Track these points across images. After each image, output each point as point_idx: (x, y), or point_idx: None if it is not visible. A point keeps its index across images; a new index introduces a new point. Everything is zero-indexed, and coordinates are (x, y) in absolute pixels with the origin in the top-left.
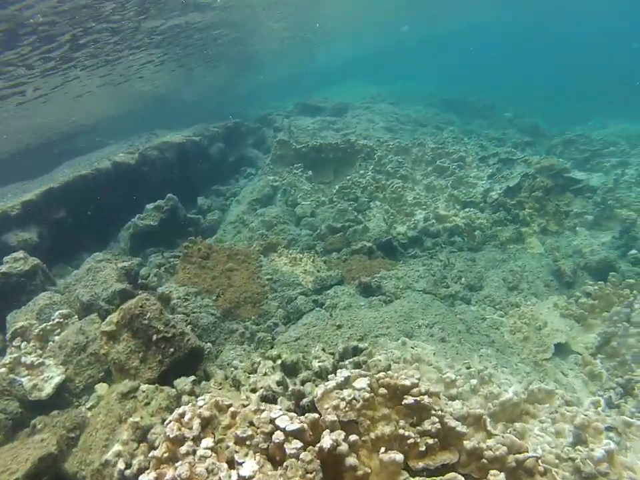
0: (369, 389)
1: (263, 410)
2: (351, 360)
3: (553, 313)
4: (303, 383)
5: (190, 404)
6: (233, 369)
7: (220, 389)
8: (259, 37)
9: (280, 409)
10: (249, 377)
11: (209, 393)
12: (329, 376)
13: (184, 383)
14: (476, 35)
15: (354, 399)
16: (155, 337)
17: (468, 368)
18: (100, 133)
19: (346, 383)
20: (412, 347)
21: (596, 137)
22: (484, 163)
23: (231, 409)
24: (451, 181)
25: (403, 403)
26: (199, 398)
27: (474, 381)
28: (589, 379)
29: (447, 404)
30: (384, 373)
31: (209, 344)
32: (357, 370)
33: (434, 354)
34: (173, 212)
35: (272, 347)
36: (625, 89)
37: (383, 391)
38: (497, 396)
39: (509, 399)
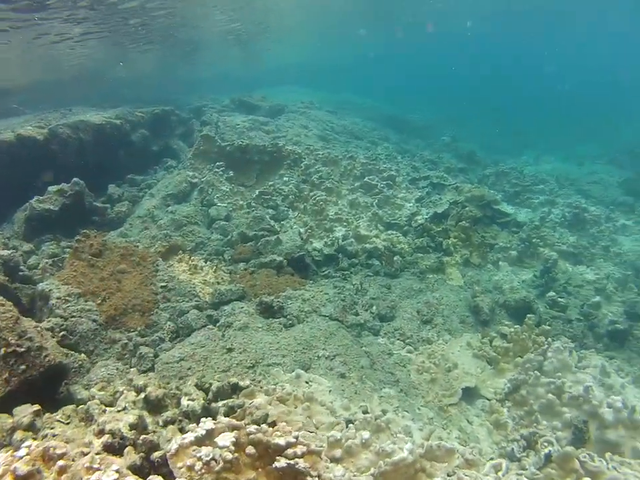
0: (232, 447)
1: (96, 469)
2: (225, 402)
3: (465, 352)
4: (166, 424)
5: (9, 453)
6: (89, 397)
7: (68, 423)
8: (205, 26)
9: (117, 470)
10: (104, 411)
11: (52, 428)
12: (200, 420)
13: (23, 413)
14: (429, 55)
15: (213, 459)
16: (3, 351)
17: (365, 412)
18: (16, 99)
19: (207, 438)
20: (306, 382)
21: (528, 172)
22: (414, 185)
23: (60, 462)
24: (377, 200)
25: (274, 465)
26: (23, 445)
27: (365, 435)
28: (494, 427)
29: (327, 467)
30: (255, 428)
31: (82, 355)
32: (226, 420)
33: (330, 391)
34: (77, 198)
35: (152, 366)
36: (561, 125)
37: (251, 450)
38: (389, 454)
39: (403, 458)
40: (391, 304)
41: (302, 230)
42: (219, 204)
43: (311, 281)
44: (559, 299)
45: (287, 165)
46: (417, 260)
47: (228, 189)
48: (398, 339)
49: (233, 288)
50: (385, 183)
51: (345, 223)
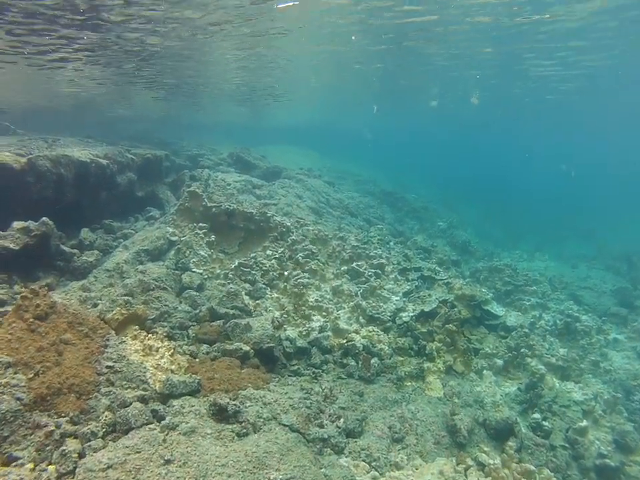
0: None
1: None
2: None
3: None
4: None
5: None
6: None
7: None
8: (213, 75)
9: None
10: None
11: None
12: None
13: None
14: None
15: None
16: None
17: None
18: (10, 118)
19: None
20: None
21: (521, 269)
22: (404, 276)
23: None
24: (363, 290)
25: None
26: None
27: None
28: None
29: None
30: None
31: None
32: None
33: None
34: (43, 239)
35: (73, 469)
36: (556, 221)
37: None
38: None
39: None
40: (361, 415)
41: (277, 314)
42: (194, 269)
43: (277, 378)
44: (543, 423)
45: (272, 237)
46: (396, 364)
47: (206, 255)
48: (363, 461)
49: (188, 380)
50: (373, 271)
51: (324, 313)
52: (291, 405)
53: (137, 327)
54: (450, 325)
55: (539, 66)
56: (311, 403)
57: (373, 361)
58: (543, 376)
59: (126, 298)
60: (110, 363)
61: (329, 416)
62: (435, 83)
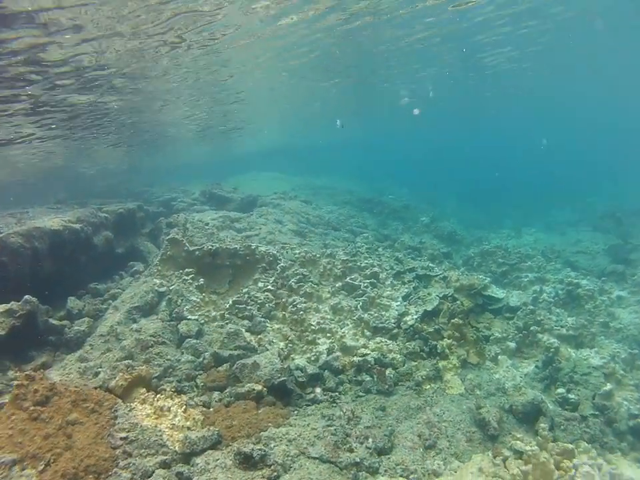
0: None
1: None
2: None
3: None
4: None
5: None
6: None
7: None
8: (170, 121)
9: None
10: None
11: None
12: None
13: None
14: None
15: None
16: None
17: None
18: None
19: None
20: None
21: (512, 248)
22: (399, 280)
23: None
24: (362, 302)
25: None
26: None
27: None
28: None
29: None
30: None
31: None
32: None
33: None
34: (29, 318)
35: None
36: (532, 194)
37: None
38: None
39: None
40: (388, 430)
41: (282, 345)
42: (189, 317)
43: (295, 411)
44: (569, 396)
45: (261, 269)
46: (411, 370)
47: (198, 299)
48: (401, 476)
49: (206, 433)
50: (368, 281)
51: (328, 334)
52: (315, 436)
53: (143, 389)
54: (456, 319)
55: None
56: (335, 429)
57: (387, 372)
58: (558, 349)
59: (126, 362)
60: (123, 434)
61: (356, 438)
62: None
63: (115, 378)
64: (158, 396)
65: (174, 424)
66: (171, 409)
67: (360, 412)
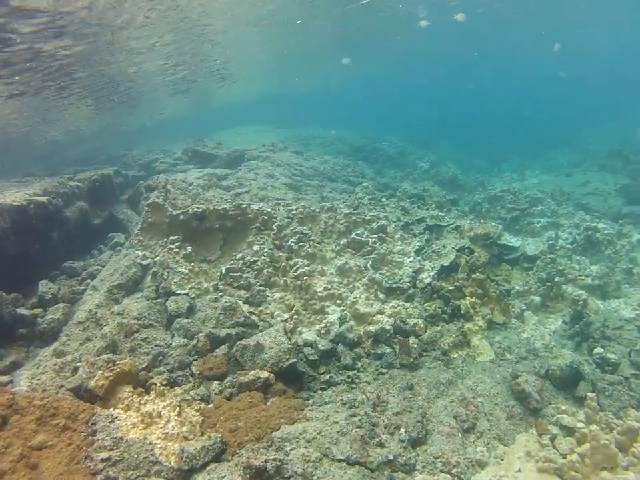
0: None
1: None
2: None
3: (527, 469)
4: None
5: None
6: None
7: None
8: (141, 72)
9: None
10: None
11: None
12: None
13: None
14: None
15: None
16: None
17: None
18: None
19: None
20: None
21: (520, 192)
22: (408, 233)
23: None
24: (371, 260)
25: None
26: None
27: None
28: None
29: None
30: None
31: None
32: None
33: None
34: None
35: None
36: (528, 134)
37: None
38: None
39: None
40: (420, 414)
41: (286, 316)
42: (178, 291)
43: (310, 398)
44: (609, 356)
45: (255, 229)
46: (436, 337)
47: (187, 270)
48: (442, 471)
49: (207, 443)
50: (375, 236)
51: (338, 300)
52: (338, 431)
53: (129, 386)
54: (477, 274)
55: None
56: (360, 419)
57: (411, 342)
58: (586, 301)
59: (106, 357)
60: (105, 454)
61: (386, 428)
62: None
63: (94, 376)
64: (145, 398)
65: (167, 432)
66: (162, 413)
67: (385, 394)
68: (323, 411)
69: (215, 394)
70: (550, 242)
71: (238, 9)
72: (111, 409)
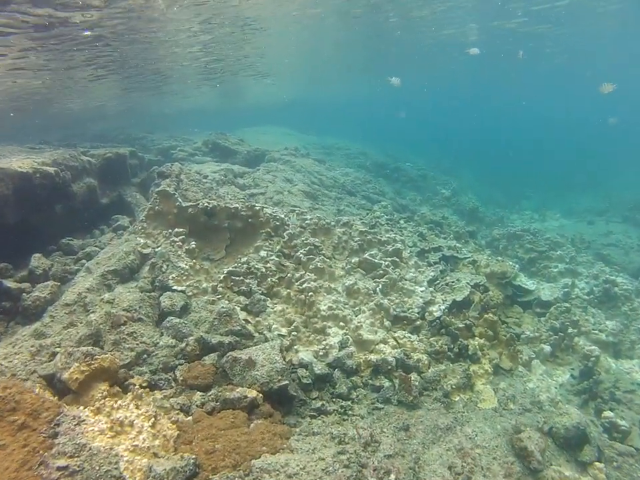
0: None
1: None
2: None
3: None
4: None
5: None
6: None
7: None
8: (176, 56)
9: None
10: None
11: None
12: None
13: None
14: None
15: None
16: None
17: None
18: None
19: None
20: None
21: (539, 233)
22: (423, 260)
23: None
24: (382, 284)
25: None
26: None
27: None
28: None
29: None
30: None
31: None
32: None
33: None
34: None
35: None
36: (551, 176)
37: None
38: None
39: None
40: (413, 459)
41: (284, 331)
42: (174, 287)
43: (297, 425)
44: (620, 423)
45: (265, 234)
46: (439, 377)
47: (188, 266)
48: None
49: (179, 464)
50: (389, 259)
51: (341, 323)
52: (323, 469)
53: (105, 383)
54: (489, 315)
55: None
56: (349, 459)
57: (413, 378)
58: (598, 358)
59: (84, 349)
60: (62, 462)
61: (375, 471)
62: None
63: (69, 368)
64: (119, 402)
65: (137, 445)
66: (135, 422)
67: (379, 432)
68: (309, 443)
69: (197, 406)
70: (566, 289)
71: (289, 4)
72: (80, 408)
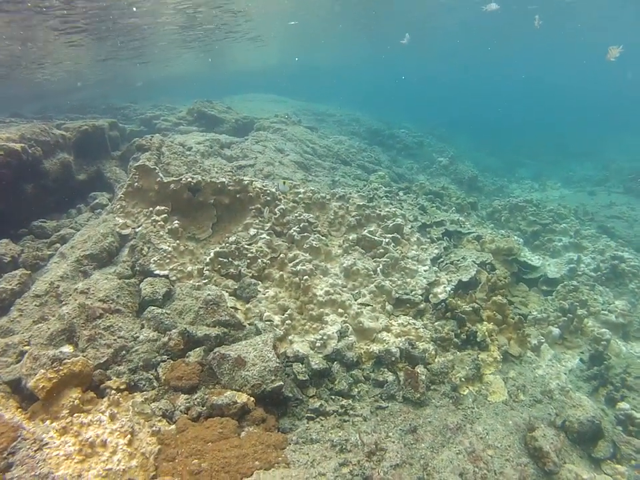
0: None
1: None
2: None
3: None
4: None
5: None
6: None
7: None
8: (155, 15)
9: None
10: None
11: None
12: None
13: None
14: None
15: None
16: None
17: None
18: None
19: None
20: None
21: (541, 204)
22: (426, 236)
23: None
24: (382, 264)
25: None
26: None
27: None
28: None
29: None
30: None
31: None
32: None
33: None
34: None
35: None
36: (546, 141)
37: None
38: None
39: None
40: (421, 466)
41: (277, 319)
42: (156, 271)
43: (294, 429)
44: (636, 416)
45: (255, 211)
46: (447, 369)
47: (171, 248)
48: None
49: None
50: (390, 236)
51: (339, 309)
52: None
53: (77, 390)
54: (498, 297)
55: None
56: (352, 471)
57: (419, 372)
58: (609, 341)
59: (52, 353)
60: None
61: None
62: None
63: (35, 374)
64: (89, 418)
65: (110, 469)
66: (108, 441)
67: (384, 438)
68: (307, 454)
69: (181, 411)
70: (571, 265)
71: None
72: (45, 425)
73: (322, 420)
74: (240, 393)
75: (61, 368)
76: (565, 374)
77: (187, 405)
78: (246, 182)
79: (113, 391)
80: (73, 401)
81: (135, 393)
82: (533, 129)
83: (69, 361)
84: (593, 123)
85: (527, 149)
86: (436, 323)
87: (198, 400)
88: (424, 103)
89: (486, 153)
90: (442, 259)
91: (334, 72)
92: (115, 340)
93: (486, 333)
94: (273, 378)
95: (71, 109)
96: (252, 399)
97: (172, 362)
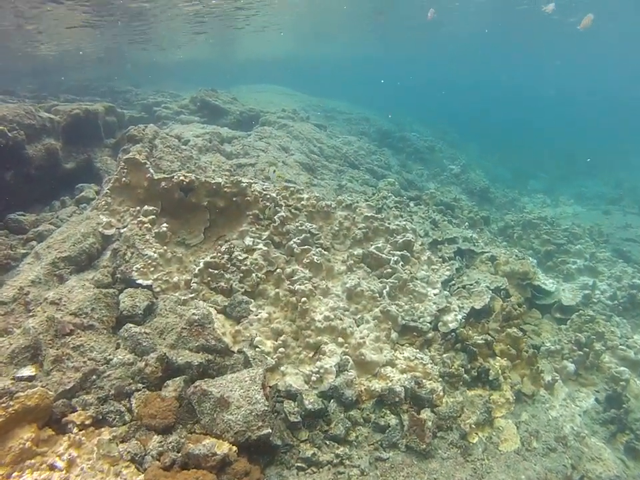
0: None
1: None
2: None
3: None
4: None
5: None
6: None
7: None
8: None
9: None
10: None
11: None
12: None
13: None
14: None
15: None
16: None
17: None
18: None
19: None
20: None
21: (556, 222)
22: (437, 255)
23: None
24: (389, 286)
25: None
26: None
27: None
28: None
29: None
30: None
31: None
32: None
33: None
34: None
35: None
36: (558, 156)
37: None
38: None
39: None
40: None
41: (269, 345)
42: (139, 280)
43: None
44: None
45: (252, 217)
46: (456, 413)
47: (157, 254)
48: None
49: None
50: (399, 254)
51: (340, 337)
52: None
53: (32, 427)
54: (513, 329)
55: None
56: None
57: (425, 418)
58: (628, 382)
59: (4, 385)
60: None
61: None
62: None
63: None
64: (39, 465)
65: None
66: None
67: None
68: None
69: (152, 456)
70: (586, 291)
71: None
72: None
73: (314, 472)
74: (221, 441)
75: (11, 404)
76: (580, 415)
77: (160, 449)
78: (244, 184)
79: (75, 429)
80: (24, 443)
81: (103, 429)
82: (546, 139)
83: (22, 394)
84: (603, 136)
85: (537, 159)
86: (444, 355)
87: (173, 444)
88: (437, 106)
89: (494, 162)
90: (453, 282)
91: (347, 68)
92: (84, 362)
93: (499, 371)
94: (260, 424)
95: (70, 89)
96: (234, 448)
97: (147, 393)
